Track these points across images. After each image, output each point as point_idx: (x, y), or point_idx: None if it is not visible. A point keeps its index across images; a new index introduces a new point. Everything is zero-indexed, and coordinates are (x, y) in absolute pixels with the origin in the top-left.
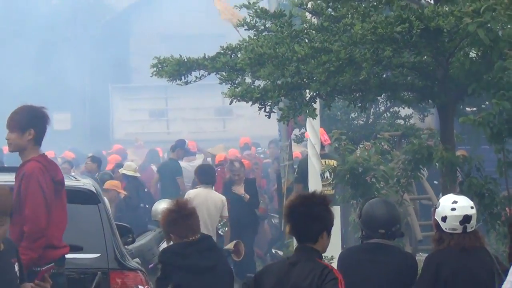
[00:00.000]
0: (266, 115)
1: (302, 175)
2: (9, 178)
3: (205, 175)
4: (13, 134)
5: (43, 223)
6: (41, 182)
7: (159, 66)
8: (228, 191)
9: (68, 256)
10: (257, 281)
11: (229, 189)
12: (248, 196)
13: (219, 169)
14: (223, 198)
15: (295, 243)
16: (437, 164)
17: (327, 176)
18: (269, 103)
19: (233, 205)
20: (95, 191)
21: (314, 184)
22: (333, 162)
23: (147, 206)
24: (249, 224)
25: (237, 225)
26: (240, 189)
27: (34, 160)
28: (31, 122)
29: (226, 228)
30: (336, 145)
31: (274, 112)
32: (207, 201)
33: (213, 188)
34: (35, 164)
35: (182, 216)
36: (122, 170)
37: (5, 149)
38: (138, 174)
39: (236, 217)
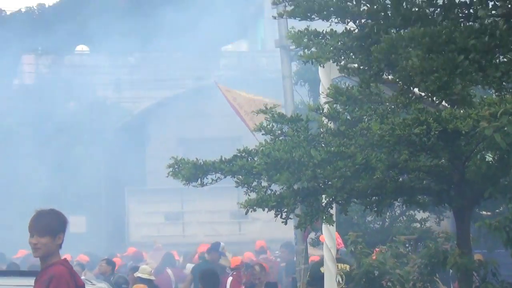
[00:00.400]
0: (282, 222)
1: (315, 278)
2: (25, 282)
3: (208, 280)
4: (44, 239)
5: None
6: (70, 286)
7: (176, 167)
8: None
9: None
10: None
11: None
12: None
13: (234, 274)
14: None
15: None
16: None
17: (339, 280)
18: (285, 210)
19: None
20: None
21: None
22: (346, 266)
23: None
24: None
25: None
26: None
27: (59, 263)
28: (61, 227)
29: None
30: (352, 249)
31: (290, 218)
32: None
33: None
34: (63, 268)
35: None
36: (137, 274)
37: (21, 252)
38: (153, 277)
39: None
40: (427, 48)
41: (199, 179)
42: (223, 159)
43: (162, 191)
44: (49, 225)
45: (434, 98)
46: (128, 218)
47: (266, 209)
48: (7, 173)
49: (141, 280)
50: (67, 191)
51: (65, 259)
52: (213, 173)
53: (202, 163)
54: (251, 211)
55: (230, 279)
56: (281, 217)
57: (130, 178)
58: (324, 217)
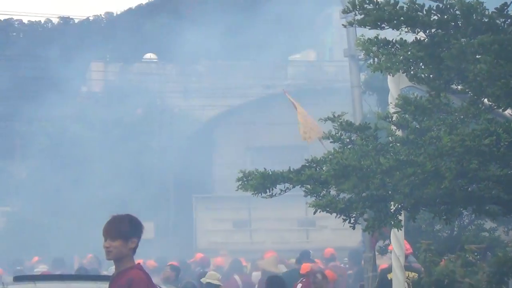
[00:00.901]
0: (350, 226)
1: (381, 284)
2: (93, 287)
3: (274, 286)
4: (116, 242)
5: None
6: None
7: (244, 179)
8: None
9: None
10: None
11: None
12: None
13: (304, 280)
14: None
15: None
16: None
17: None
18: (354, 215)
19: None
20: None
21: None
22: (414, 275)
23: None
24: None
25: None
26: None
27: (136, 268)
28: (134, 231)
29: None
30: (423, 257)
31: (358, 223)
32: None
33: None
34: (141, 272)
35: None
36: (206, 280)
37: (89, 257)
38: (221, 283)
39: None
40: (496, 54)
41: (268, 190)
42: (291, 169)
43: (229, 198)
44: (121, 229)
45: (500, 104)
46: (196, 225)
47: (334, 215)
48: (77, 180)
49: (210, 286)
50: (136, 197)
51: (139, 263)
52: (282, 183)
53: (270, 173)
54: (319, 212)
55: (299, 286)
56: (349, 222)
57: (198, 185)
58: (392, 222)
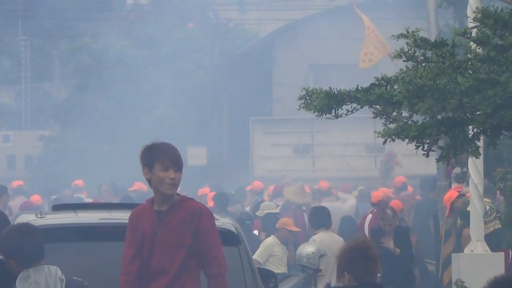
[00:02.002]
0: (423, 155)
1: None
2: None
3: (318, 218)
4: (180, 174)
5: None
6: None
7: (307, 98)
8: (375, 242)
9: None
10: None
11: (376, 239)
12: (398, 251)
13: (374, 211)
14: (342, 240)
15: None
16: None
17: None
18: (427, 141)
19: (383, 260)
20: (235, 231)
21: (477, 228)
22: (488, 201)
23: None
24: (403, 282)
25: (389, 285)
26: (389, 242)
27: (190, 199)
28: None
29: (379, 275)
30: (501, 186)
31: (433, 151)
32: (331, 247)
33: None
34: (201, 203)
35: (364, 256)
36: (263, 211)
37: (137, 185)
38: (280, 212)
39: (387, 274)
40: None
41: (333, 110)
42: (359, 88)
43: (290, 121)
44: (181, 160)
45: None
46: (252, 151)
47: (406, 141)
48: (121, 102)
49: (270, 216)
50: (187, 120)
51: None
52: (348, 103)
53: (336, 92)
54: (390, 141)
55: (369, 216)
56: (422, 149)
57: (255, 107)
58: (470, 150)
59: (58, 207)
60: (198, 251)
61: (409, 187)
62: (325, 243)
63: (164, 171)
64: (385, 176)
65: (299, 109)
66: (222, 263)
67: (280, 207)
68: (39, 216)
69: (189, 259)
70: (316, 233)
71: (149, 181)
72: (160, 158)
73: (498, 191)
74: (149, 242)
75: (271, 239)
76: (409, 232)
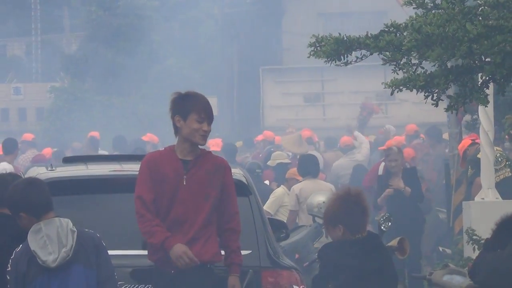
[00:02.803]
0: (433, 104)
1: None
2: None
3: (306, 165)
4: (210, 128)
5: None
6: None
7: (317, 45)
8: (384, 186)
9: None
10: None
11: (385, 183)
12: (409, 190)
13: None
14: (332, 187)
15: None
16: None
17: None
18: (436, 91)
19: (392, 202)
20: (246, 181)
21: (487, 175)
22: (499, 149)
23: None
24: (412, 222)
25: (398, 225)
26: (398, 182)
27: (211, 153)
28: None
29: (390, 223)
30: (511, 132)
31: (442, 100)
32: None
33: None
34: (222, 157)
35: (359, 207)
36: (274, 161)
37: (149, 136)
38: (290, 162)
39: (396, 216)
40: None
41: (343, 57)
42: (369, 34)
43: (300, 70)
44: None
45: None
46: (263, 100)
47: (415, 90)
48: (131, 52)
49: (281, 166)
50: (197, 70)
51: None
52: (358, 49)
53: (345, 38)
54: (397, 91)
55: (382, 164)
56: (432, 98)
57: (265, 56)
58: (478, 98)
59: (69, 160)
60: (219, 205)
61: (421, 135)
62: (304, 190)
63: (199, 123)
64: (362, 125)
65: (309, 57)
66: (240, 221)
67: (291, 156)
68: (49, 169)
69: (213, 212)
70: (300, 181)
71: (179, 129)
72: (197, 109)
73: (507, 137)
74: (172, 190)
75: (281, 190)
76: (418, 173)
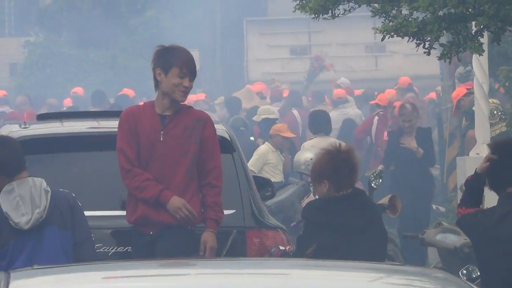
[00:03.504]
0: (425, 53)
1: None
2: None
3: (318, 122)
4: (192, 84)
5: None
6: None
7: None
8: (394, 144)
9: None
10: None
11: (395, 141)
12: (421, 151)
13: (381, 113)
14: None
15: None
16: None
17: (490, 117)
18: (428, 38)
19: (401, 163)
20: (229, 138)
21: (482, 130)
22: (495, 101)
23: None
24: (422, 187)
25: (406, 188)
26: (411, 142)
27: (192, 107)
28: None
29: (380, 180)
30: (507, 84)
31: (434, 48)
32: None
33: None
34: (204, 112)
35: (348, 164)
36: (260, 116)
37: (126, 90)
38: (278, 117)
39: (405, 178)
40: None
41: (330, 11)
42: None
43: (286, 21)
44: (196, 70)
45: None
46: (247, 53)
47: (406, 39)
48: (107, 5)
49: (267, 122)
50: (177, 22)
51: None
52: (346, 2)
53: None
54: (390, 40)
55: (376, 118)
56: (423, 47)
57: (249, 6)
58: (473, 46)
59: (43, 117)
60: (199, 160)
61: (414, 88)
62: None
63: (180, 78)
64: (309, 81)
65: (294, 11)
66: (220, 176)
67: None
68: (23, 126)
69: (193, 169)
70: (312, 138)
71: (159, 83)
72: (179, 63)
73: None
74: (149, 146)
75: (264, 147)
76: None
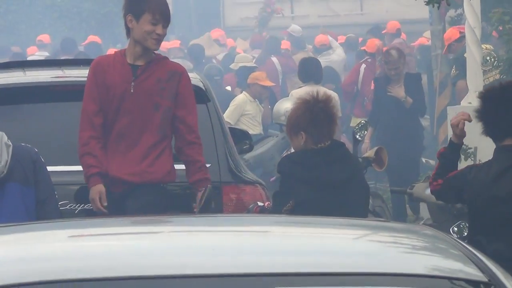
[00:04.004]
0: None
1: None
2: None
3: (308, 70)
4: (165, 31)
5: None
6: None
7: None
8: (381, 92)
9: None
10: None
11: (383, 88)
12: (410, 100)
13: (369, 61)
14: (336, 95)
15: None
16: None
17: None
18: None
19: (388, 113)
20: (203, 87)
21: (474, 77)
22: (489, 47)
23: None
24: (411, 138)
25: (395, 141)
26: (398, 90)
27: (167, 58)
28: None
29: (365, 132)
30: (500, 28)
31: None
32: None
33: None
34: (179, 64)
35: (326, 114)
36: (238, 64)
37: (92, 38)
38: (256, 65)
39: (392, 129)
40: None
41: None
42: None
43: None
44: (170, 17)
45: None
46: None
47: None
48: None
49: (244, 70)
50: None
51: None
52: None
53: None
54: None
55: (363, 66)
56: None
57: None
58: None
59: (4, 65)
60: (174, 116)
61: (402, 34)
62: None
63: (152, 25)
64: (262, 25)
65: None
66: (198, 133)
67: (254, 60)
68: None
69: (165, 125)
70: (301, 87)
71: (130, 30)
72: (152, 9)
73: (494, 32)
74: (118, 99)
75: (242, 96)
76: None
